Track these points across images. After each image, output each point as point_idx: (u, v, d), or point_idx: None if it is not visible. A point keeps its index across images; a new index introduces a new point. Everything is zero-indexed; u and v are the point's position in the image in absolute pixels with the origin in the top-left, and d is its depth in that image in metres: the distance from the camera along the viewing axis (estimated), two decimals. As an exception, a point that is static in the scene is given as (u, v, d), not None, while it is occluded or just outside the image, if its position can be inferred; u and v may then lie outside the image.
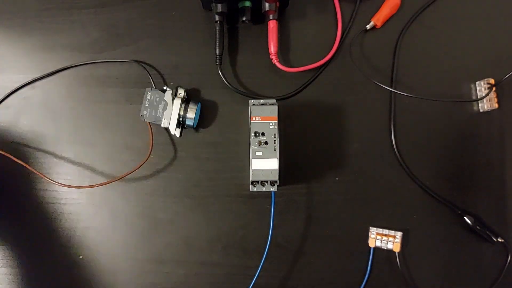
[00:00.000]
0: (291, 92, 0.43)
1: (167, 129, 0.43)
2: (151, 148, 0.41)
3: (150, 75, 0.43)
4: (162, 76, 0.44)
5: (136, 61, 0.43)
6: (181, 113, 0.41)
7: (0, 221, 0.43)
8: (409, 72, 0.43)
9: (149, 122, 0.41)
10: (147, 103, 0.41)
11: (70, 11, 0.45)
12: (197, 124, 0.43)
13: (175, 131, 0.41)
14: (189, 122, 0.41)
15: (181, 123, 0.42)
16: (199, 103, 0.42)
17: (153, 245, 0.42)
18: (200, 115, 0.43)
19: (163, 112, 0.41)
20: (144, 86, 0.43)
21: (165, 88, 0.41)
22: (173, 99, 0.41)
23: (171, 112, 0.41)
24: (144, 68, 0.43)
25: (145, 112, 0.41)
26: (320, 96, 0.43)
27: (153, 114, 0.41)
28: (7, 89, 0.44)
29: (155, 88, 0.42)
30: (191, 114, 0.41)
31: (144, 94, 0.41)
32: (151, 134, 0.41)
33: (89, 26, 0.44)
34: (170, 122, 0.41)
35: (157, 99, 0.41)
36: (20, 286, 0.42)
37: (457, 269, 0.41)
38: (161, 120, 0.41)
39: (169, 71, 0.44)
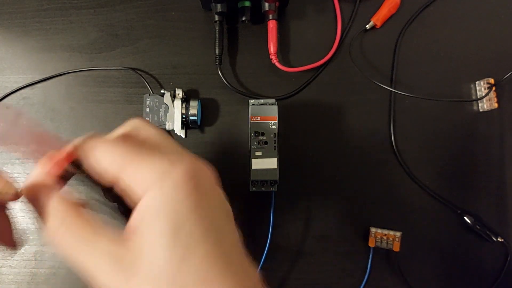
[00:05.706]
0: (290, 92, 0.43)
1: (168, 131, 0.42)
2: None
3: (146, 82, 0.43)
4: (157, 81, 0.43)
5: (132, 68, 0.43)
6: (183, 112, 0.41)
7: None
8: (409, 72, 0.43)
9: None
10: (147, 109, 0.41)
11: (69, 11, 0.44)
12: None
13: (181, 132, 0.41)
14: (193, 120, 0.41)
15: (185, 123, 0.41)
16: (199, 100, 0.42)
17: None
18: (200, 115, 0.43)
19: (165, 116, 0.41)
20: (143, 86, 0.43)
21: (162, 91, 0.41)
22: (172, 101, 0.41)
23: (173, 113, 0.41)
24: (141, 75, 0.43)
25: (147, 119, 0.41)
26: (320, 96, 0.43)
27: (156, 119, 0.41)
28: (7, 89, 0.44)
29: (153, 93, 0.42)
30: (194, 111, 0.41)
31: (143, 101, 0.41)
32: None
33: (88, 27, 0.44)
34: (174, 124, 0.41)
35: (157, 104, 0.41)
36: (20, 286, 0.42)
37: (457, 269, 0.41)
38: (165, 124, 0.41)
39: (168, 71, 0.44)
